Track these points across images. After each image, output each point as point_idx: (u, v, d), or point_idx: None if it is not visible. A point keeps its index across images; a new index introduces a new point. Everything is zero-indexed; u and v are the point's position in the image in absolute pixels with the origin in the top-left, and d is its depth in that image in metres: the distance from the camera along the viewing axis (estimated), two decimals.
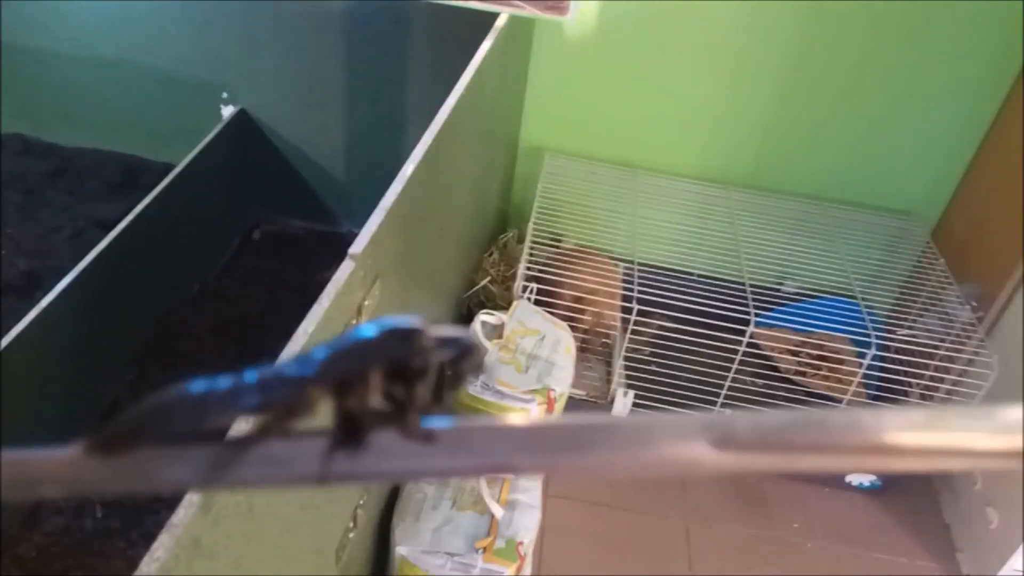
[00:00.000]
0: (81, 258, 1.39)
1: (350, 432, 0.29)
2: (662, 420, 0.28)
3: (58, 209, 1.90)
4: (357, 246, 0.80)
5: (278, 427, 0.29)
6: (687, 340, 1.57)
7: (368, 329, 0.29)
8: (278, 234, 2.07)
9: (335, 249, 1.99)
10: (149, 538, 0.58)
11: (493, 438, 0.29)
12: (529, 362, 1.35)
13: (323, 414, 0.30)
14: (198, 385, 0.30)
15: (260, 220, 2.07)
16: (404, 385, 0.29)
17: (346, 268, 0.77)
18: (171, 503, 0.54)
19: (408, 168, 0.94)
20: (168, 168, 1.67)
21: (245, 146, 1.94)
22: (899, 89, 1.71)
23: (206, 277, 1.85)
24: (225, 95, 1.93)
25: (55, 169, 2.01)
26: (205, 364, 1.63)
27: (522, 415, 1.27)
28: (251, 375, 0.30)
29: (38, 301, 1.29)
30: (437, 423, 0.29)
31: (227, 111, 1.94)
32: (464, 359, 0.30)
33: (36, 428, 1.27)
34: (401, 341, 0.28)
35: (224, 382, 0.30)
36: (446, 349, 0.29)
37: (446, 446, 0.29)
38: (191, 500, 0.55)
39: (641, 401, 1.60)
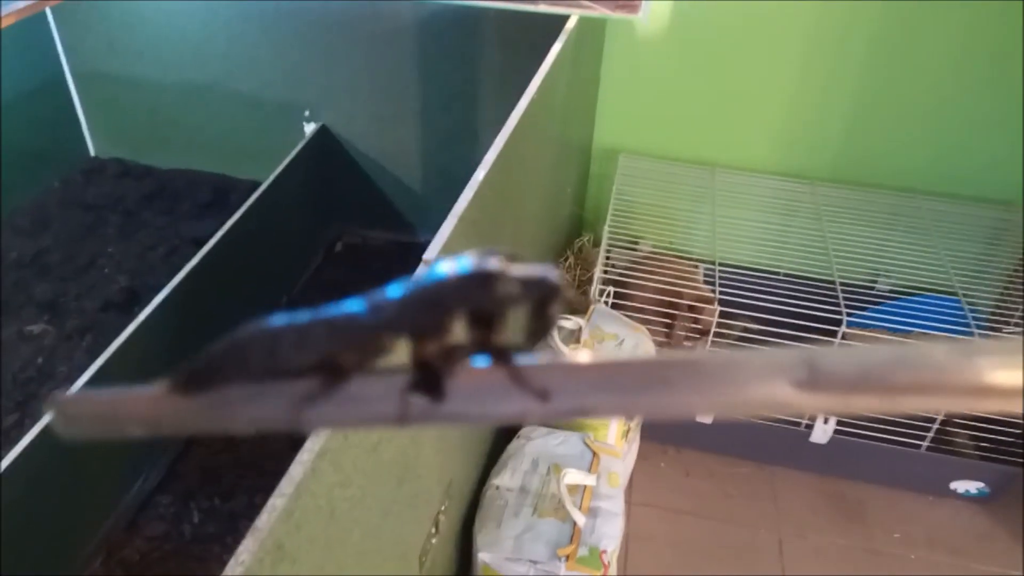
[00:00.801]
0: (175, 274, 1.46)
1: (428, 379, 0.28)
2: (748, 357, 0.26)
3: (154, 228, 2.00)
4: (430, 252, 0.80)
5: (353, 369, 0.29)
6: (774, 342, 1.52)
7: (445, 272, 0.28)
8: (359, 246, 2.12)
9: (414, 259, 2.01)
10: None
11: (571, 378, 0.28)
12: None
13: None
14: (274, 323, 0.30)
15: (342, 233, 2.13)
16: (485, 328, 0.28)
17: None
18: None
19: (479, 174, 0.94)
20: (256, 185, 1.73)
21: (326, 161, 2.00)
22: (995, 70, 1.61)
23: (292, 289, 1.91)
24: (307, 113, 1.99)
25: (151, 191, 2.12)
26: None
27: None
28: (327, 316, 0.30)
29: (137, 315, 1.37)
30: (520, 362, 0.28)
31: (309, 128, 2.00)
32: (549, 301, 0.28)
33: None
34: (479, 287, 0.28)
35: (299, 322, 0.30)
36: (529, 291, 0.28)
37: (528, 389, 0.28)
38: (274, 505, 0.56)
39: None
